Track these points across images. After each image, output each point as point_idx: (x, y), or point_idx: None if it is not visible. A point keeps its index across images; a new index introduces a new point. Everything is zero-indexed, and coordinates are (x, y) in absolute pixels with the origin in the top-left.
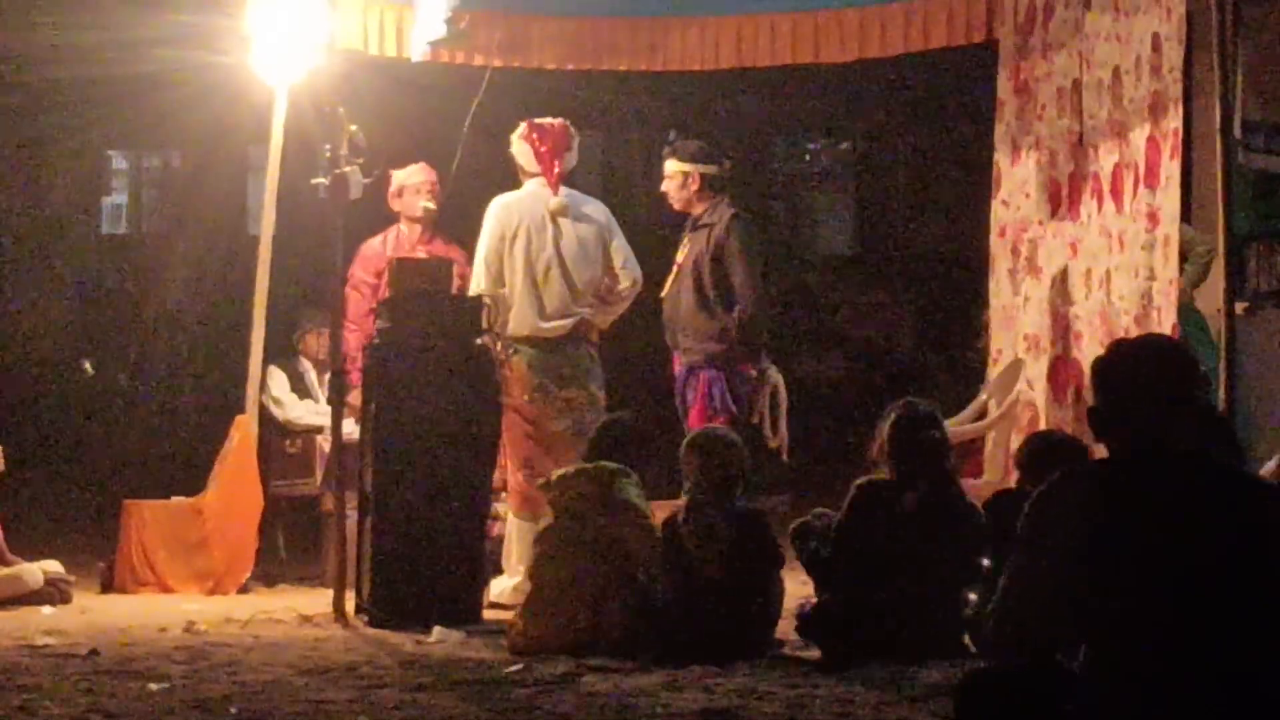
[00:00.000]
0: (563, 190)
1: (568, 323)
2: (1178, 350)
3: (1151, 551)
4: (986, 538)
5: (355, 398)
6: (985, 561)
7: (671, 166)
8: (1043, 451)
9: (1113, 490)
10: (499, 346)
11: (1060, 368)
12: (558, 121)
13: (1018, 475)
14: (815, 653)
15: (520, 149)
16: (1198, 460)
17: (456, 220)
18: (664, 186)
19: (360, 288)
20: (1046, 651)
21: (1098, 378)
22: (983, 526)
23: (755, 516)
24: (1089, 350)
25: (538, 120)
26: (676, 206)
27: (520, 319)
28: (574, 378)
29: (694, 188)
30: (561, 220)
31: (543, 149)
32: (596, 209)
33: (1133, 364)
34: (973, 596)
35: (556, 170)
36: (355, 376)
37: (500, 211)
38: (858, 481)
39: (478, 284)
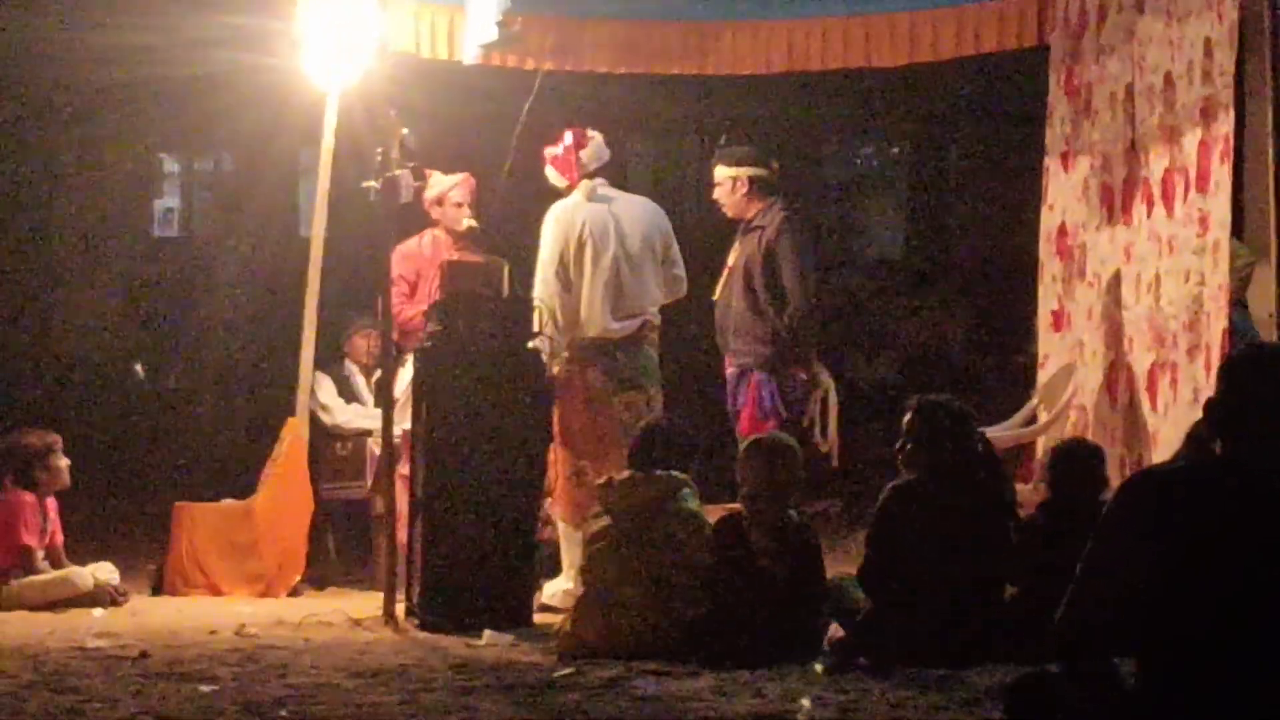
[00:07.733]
0: (616, 193)
1: (634, 323)
2: None
3: (1226, 562)
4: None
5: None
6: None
7: (720, 172)
8: (1064, 456)
9: (1193, 495)
10: (560, 351)
11: (1115, 373)
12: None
13: (1044, 486)
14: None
15: (548, 173)
16: None
17: (504, 223)
18: (715, 194)
19: (398, 283)
20: (1109, 655)
21: (1225, 375)
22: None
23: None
24: (1139, 355)
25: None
26: (730, 213)
27: (591, 321)
28: (633, 381)
29: (742, 191)
30: (622, 221)
31: (560, 152)
32: (653, 210)
33: (1266, 368)
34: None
35: (576, 161)
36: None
37: (561, 215)
38: (889, 485)
39: (542, 291)
